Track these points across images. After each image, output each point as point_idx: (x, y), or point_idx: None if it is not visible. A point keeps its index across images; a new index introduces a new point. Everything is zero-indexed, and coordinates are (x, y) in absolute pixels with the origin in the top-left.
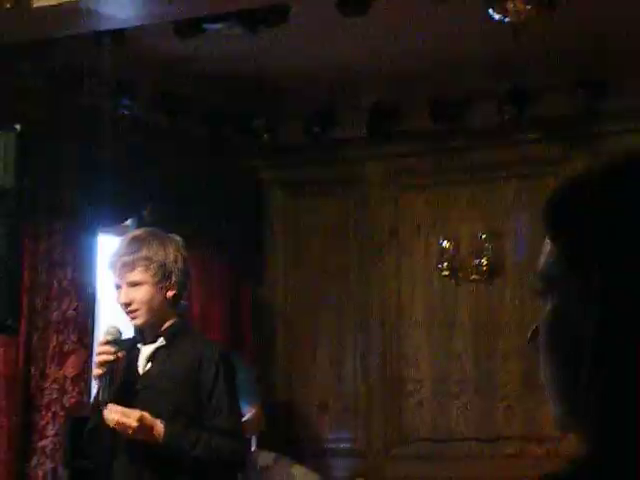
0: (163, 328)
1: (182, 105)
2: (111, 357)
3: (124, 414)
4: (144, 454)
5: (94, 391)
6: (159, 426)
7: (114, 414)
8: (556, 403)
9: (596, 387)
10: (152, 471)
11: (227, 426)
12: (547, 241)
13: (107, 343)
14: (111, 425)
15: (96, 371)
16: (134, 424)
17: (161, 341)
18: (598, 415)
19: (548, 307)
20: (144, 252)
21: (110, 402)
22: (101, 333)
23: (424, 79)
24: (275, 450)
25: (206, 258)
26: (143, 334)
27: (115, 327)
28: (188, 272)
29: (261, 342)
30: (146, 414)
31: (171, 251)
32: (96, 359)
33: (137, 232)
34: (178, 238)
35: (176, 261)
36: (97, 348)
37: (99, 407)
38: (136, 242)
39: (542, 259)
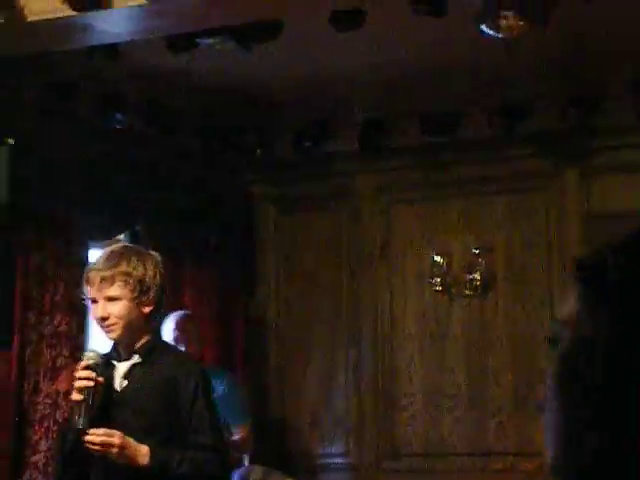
0: (139, 345)
1: (174, 119)
2: (91, 383)
3: (107, 434)
4: (124, 475)
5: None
6: (142, 447)
7: (97, 437)
8: (557, 448)
9: (605, 430)
10: None
11: (209, 442)
12: (571, 290)
13: (87, 368)
14: (95, 448)
15: (75, 396)
16: (117, 441)
17: (137, 358)
18: (604, 458)
19: (559, 352)
20: (123, 267)
21: (88, 427)
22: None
23: (415, 93)
24: (267, 466)
25: (198, 273)
26: (118, 351)
27: (94, 351)
28: (165, 289)
29: (253, 357)
30: (128, 438)
31: (150, 267)
32: (75, 384)
33: (116, 247)
34: (156, 254)
35: (154, 277)
36: (76, 373)
37: (76, 433)
38: (115, 257)
39: (564, 307)
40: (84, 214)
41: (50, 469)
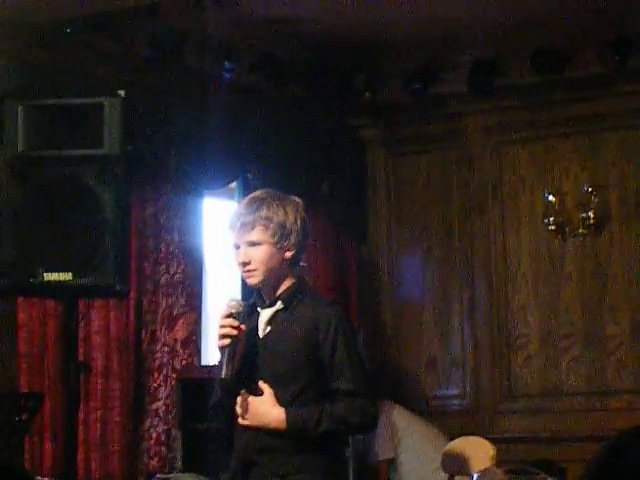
0: (281, 290)
1: (283, 66)
2: (234, 332)
3: (239, 405)
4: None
5: (214, 360)
6: (277, 414)
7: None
8: None
9: None
10: (277, 436)
11: (352, 387)
12: None
13: (229, 316)
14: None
15: (220, 343)
16: (247, 413)
17: (280, 304)
18: None
19: None
20: (264, 212)
21: (233, 377)
22: (211, 298)
23: (524, 31)
24: None
25: (311, 218)
26: (262, 297)
27: (237, 300)
28: (307, 233)
29: (367, 300)
30: (264, 405)
31: (291, 212)
32: (219, 332)
33: (257, 193)
34: (297, 199)
35: (295, 222)
36: (219, 321)
37: (223, 383)
38: (256, 202)
39: None
40: (197, 164)
41: (170, 416)
